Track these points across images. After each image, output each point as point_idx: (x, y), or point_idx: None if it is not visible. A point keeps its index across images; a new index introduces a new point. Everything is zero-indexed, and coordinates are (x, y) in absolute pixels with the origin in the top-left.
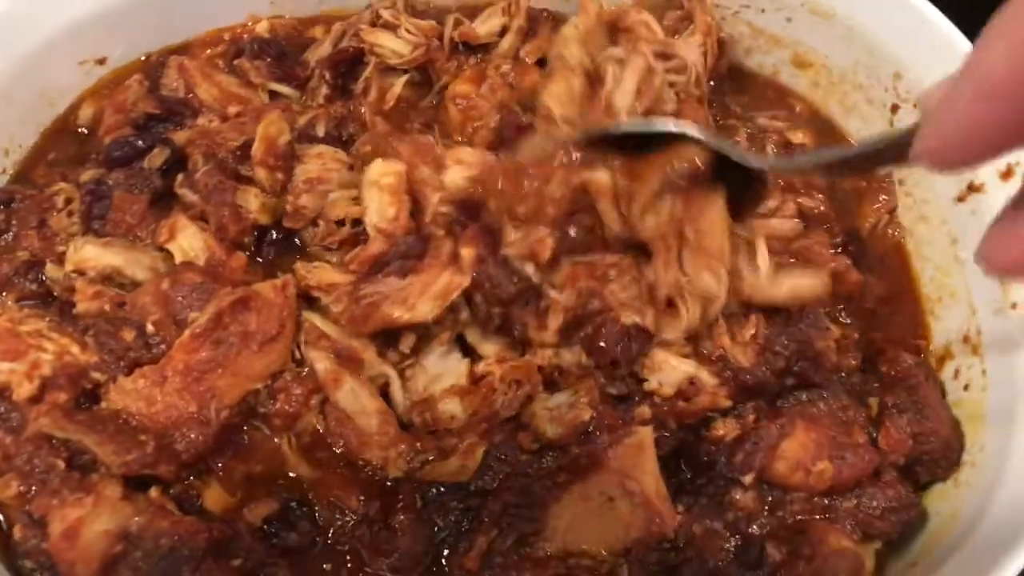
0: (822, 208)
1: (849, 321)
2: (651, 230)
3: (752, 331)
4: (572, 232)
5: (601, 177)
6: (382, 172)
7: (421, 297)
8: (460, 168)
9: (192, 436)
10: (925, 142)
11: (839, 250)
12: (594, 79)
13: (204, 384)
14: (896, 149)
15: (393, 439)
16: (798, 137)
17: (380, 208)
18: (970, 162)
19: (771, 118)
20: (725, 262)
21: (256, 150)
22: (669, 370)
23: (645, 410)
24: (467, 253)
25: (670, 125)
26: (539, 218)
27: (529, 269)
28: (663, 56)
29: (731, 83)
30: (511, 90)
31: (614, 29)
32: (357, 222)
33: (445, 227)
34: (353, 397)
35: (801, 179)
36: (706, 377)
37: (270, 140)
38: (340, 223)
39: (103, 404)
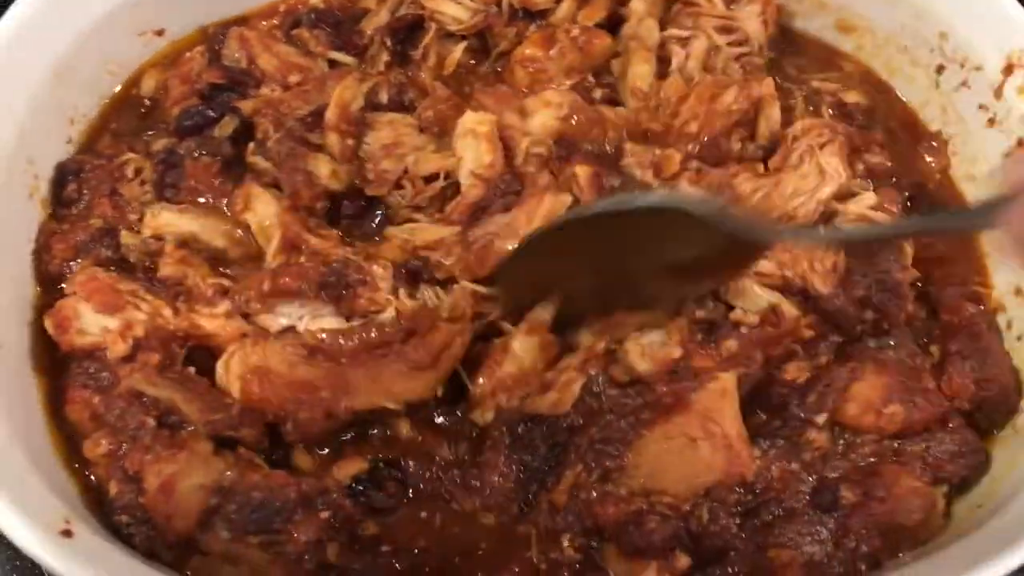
0: (888, 163)
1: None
2: None
3: (832, 260)
4: (735, 143)
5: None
6: (477, 121)
7: (529, 225)
8: (549, 110)
9: (305, 417)
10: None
11: (908, 204)
12: (660, 57)
13: (346, 375)
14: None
15: None
16: (852, 97)
17: (476, 156)
18: None
19: (823, 80)
20: None
21: (330, 115)
22: (754, 297)
23: (732, 343)
24: (582, 171)
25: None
26: (706, 128)
27: (649, 177)
28: (725, 30)
29: (787, 46)
30: (580, 54)
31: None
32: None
33: (539, 166)
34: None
35: (861, 137)
36: (788, 307)
37: (344, 105)
38: (429, 179)
39: (220, 367)
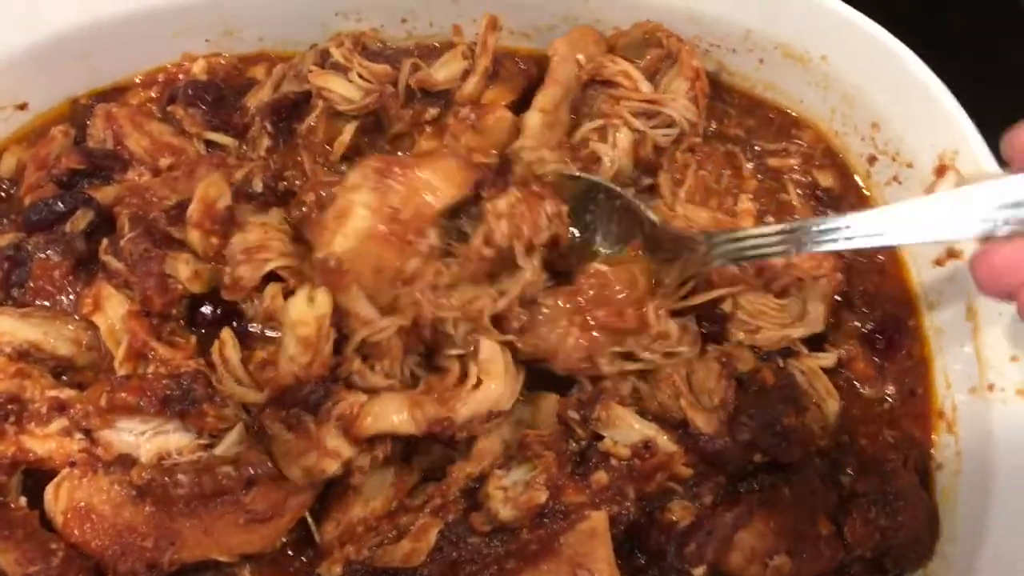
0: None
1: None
2: None
3: (720, 397)
4: None
5: None
6: (301, 320)
7: (292, 466)
8: None
9: (125, 569)
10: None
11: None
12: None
13: (174, 524)
14: None
15: None
16: (826, 180)
17: (295, 352)
18: None
19: (781, 153)
20: None
21: (192, 212)
22: (625, 428)
23: (602, 475)
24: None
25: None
26: None
27: None
28: (647, 115)
29: (730, 105)
30: (475, 133)
31: (592, 81)
32: None
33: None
34: None
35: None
36: (664, 442)
37: (208, 203)
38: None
39: (49, 491)
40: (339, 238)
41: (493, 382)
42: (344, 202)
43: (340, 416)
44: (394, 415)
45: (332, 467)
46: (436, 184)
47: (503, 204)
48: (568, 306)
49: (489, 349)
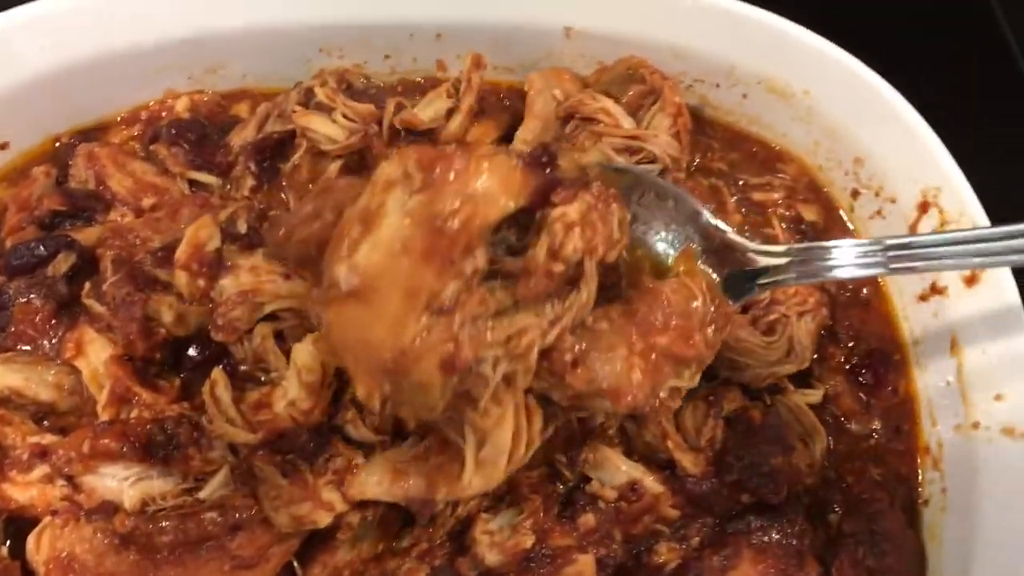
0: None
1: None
2: None
3: (707, 437)
4: None
5: None
6: (307, 366)
7: (280, 511)
8: None
9: None
10: None
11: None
12: None
13: (159, 572)
14: None
15: None
16: (810, 215)
17: (298, 397)
18: None
19: (765, 187)
20: None
21: (181, 253)
22: (612, 469)
23: (590, 518)
24: None
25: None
26: None
27: None
28: (629, 150)
29: (721, 139)
30: None
31: (572, 117)
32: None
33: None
34: None
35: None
36: (651, 483)
37: (198, 245)
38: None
39: (30, 541)
40: (364, 248)
41: (483, 480)
42: (372, 202)
43: (336, 471)
44: (376, 483)
45: (325, 520)
46: (494, 189)
47: (575, 212)
48: (626, 329)
49: (497, 446)
